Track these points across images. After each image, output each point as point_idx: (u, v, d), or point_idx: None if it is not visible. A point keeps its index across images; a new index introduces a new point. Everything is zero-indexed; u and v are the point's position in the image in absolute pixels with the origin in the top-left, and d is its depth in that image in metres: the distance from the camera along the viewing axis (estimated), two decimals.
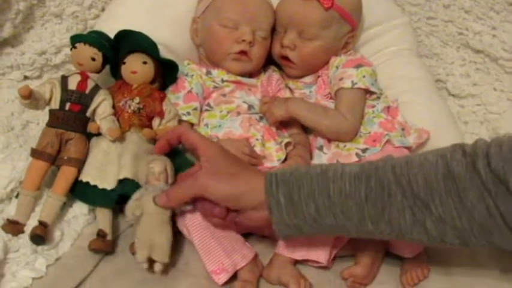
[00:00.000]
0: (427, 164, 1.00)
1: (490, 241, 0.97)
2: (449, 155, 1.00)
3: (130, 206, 1.20)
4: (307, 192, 1.03)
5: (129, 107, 1.29)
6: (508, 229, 0.93)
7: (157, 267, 1.18)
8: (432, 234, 0.99)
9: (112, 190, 1.25)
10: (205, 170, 1.09)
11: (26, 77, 1.50)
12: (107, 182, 1.25)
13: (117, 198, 1.25)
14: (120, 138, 1.27)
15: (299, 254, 1.25)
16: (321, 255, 1.24)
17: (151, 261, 1.18)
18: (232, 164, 1.10)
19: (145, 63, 1.32)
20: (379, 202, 0.99)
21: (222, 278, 1.20)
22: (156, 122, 1.32)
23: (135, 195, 1.21)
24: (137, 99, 1.30)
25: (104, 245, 1.24)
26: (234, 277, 1.21)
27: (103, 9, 1.59)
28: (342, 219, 1.02)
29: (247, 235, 1.33)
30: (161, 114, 1.32)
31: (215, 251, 1.21)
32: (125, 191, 1.24)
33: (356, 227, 1.03)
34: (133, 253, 1.23)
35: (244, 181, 1.06)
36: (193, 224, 1.21)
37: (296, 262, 1.26)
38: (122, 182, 1.24)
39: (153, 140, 1.31)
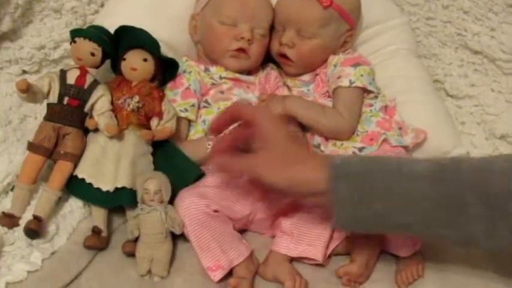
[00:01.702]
0: (504, 170, 0.94)
1: None
2: None
3: (129, 225, 1.24)
4: (378, 190, 0.99)
5: (128, 105, 1.29)
6: None
7: (156, 279, 1.21)
8: (504, 244, 0.96)
9: (107, 193, 1.24)
10: (262, 156, 1.05)
11: (24, 72, 1.50)
12: (103, 182, 1.24)
13: (113, 205, 1.27)
14: (118, 136, 1.27)
15: (295, 252, 1.25)
16: (316, 252, 1.25)
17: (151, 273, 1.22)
18: (292, 150, 1.06)
19: (145, 60, 1.31)
20: (454, 208, 0.95)
21: (217, 275, 1.20)
22: (154, 122, 1.32)
23: (132, 213, 1.24)
24: (136, 98, 1.29)
25: (99, 242, 1.24)
26: (229, 273, 1.22)
27: (102, 5, 1.59)
28: (411, 219, 0.99)
29: (243, 231, 1.33)
30: (160, 115, 1.31)
31: (211, 248, 1.21)
32: (121, 201, 1.26)
33: (423, 229, 1.00)
34: (125, 252, 1.24)
35: (303, 170, 1.02)
36: (190, 220, 1.21)
37: (292, 260, 1.27)
38: (119, 190, 1.24)
39: (151, 141, 1.31)
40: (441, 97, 1.66)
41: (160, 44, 1.35)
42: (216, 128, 1.17)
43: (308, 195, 1.03)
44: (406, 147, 1.43)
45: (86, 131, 1.29)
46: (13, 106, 1.43)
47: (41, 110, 1.37)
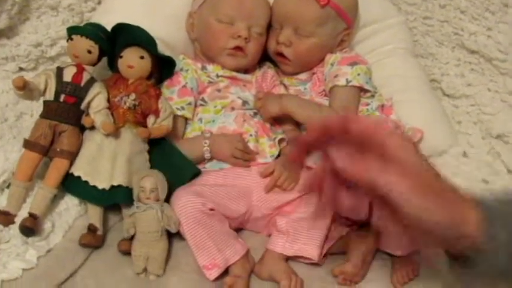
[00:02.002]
0: None
1: None
2: None
3: (125, 223, 1.24)
4: None
5: (125, 103, 1.29)
6: None
7: (152, 277, 1.22)
8: None
9: (103, 191, 1.25)
10: (406, 181, 0.75)
11: (21, 69, 1.49)
12: (99, 180, 1.25)
13: (109, 204, 1.27)
14: (114, 134, 1.27)
15: (291, 251, 1.26)
16: (312, 252, 1.26)
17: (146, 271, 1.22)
18: (434, 177, 0.80)
19: (142, 58, 1.31)
20: None
21: (213, 274, 1.21)
22: (151, 120, 1.32)
23: (128, 211, 1.25)
24: (133, 96, 1.29)
25: (95, 240, 1.25)
26: (225, 272, 1.22)
27: (99, 2, 1.59)
28: None
29: (239, 230, 1.34)
30: (156, 113, 1.32)
31: (207, 246, 1.21)
32: (117, 199, 1.26)
33: None
34: (121, 250, 1.25)
35: (450, 206, 0.78)
36: (185, 218, 1.22)
37: (288, 258, 1.27)
38: (115, 188, 1.25)
39: (148, 139, 1.31)
40: (438, 96, 1.67)
41: (157, 42, 1.35)
42: (302, 150, 0.87)
43: (451, 237, 0.78)
44: None
45: (82, 129, 1.30)
46: (9, 103, 1.42)
47: (37, 107, 1.37)
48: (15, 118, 1.41)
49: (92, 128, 1.28)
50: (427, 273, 1.25)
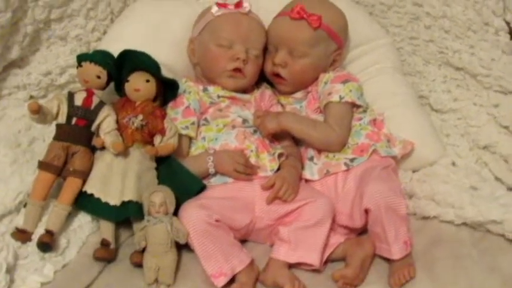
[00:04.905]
0: None
1: None
2: None
3: (136, 236, 1.30)
4: None
5: (133, 123, 1.35)
6: None
7: (163, 287, 1.28)
8: None
9: (115, 207, 1.30)
10: None
11: (32, 97, 1.56)
12: (110, 196, 1.31)
13: (121, 219, 1.33)
14: (123, 153, 1.33)
15: (293, 258, 1.32)
16: (314, 258, 1.32)
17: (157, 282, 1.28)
18: None
19: (148, 81, 1.38)
20: None
21: (220, 282, 1.26)
22: (157, 139, 1.37)
23: (139, 225, 1.31)
24: (140, 117, 1.36)
25: (108, 254, 1.31)
26: (231, 280, 1.28)
27: (105, 32, 1.65)
28: None
29: (244, 242, 1.40)
30: (163, 132, 1.37)
31: (214, 256, 1.27)
32: (128, 213, 1.32)
33: None
34: (133, 263, 1.31)
35: None
36: (193, 230, 1.27)
37: (290, 266, 1.33)
38: (126, 204, 1.31)
39: (155, 157, 1.36)
40: (427, 112, 1.73)
41: (161, 66, 1.41)
42: None
43: None
44: (394, 158, 1.50)
45: (93, 149, 1.36)
46: (22, 129, 1.49)
47: (49, 132, 1.43)
48: (28, 143, 1.48)
49: (103, 148, 1.34)
50: (423, 275, 1.31)
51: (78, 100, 1.34)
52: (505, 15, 1.61)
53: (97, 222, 1.36)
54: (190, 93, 1.51)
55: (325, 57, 1.56)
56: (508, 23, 1.62)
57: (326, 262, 1.36)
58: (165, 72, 1.49)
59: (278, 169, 1.43)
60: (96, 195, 1.31)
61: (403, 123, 1.59)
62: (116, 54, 1.41)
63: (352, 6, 1.72)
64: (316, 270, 1.34)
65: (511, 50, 1.62)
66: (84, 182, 1.32)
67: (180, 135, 1.42)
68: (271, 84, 1.65)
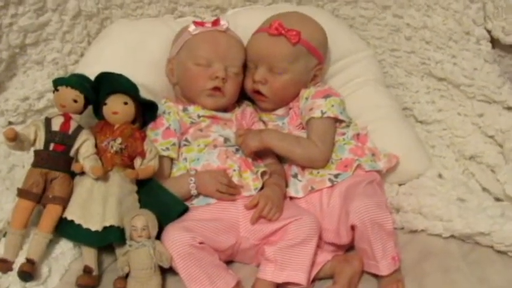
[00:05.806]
0: None
1: None
2: None
3: (119, 261, 1.28)
4: None
5: (112, 147, 1.33)
6: None
7: None
8: None
9: (96, 232, 1.28)
10: None
11: (10, 123, 1.54)
12: (91, 222, 1.29)
13: (103, 244, 1.31)
14: (103, 178, 1.31)
15: (280, 278, 1.30)
16: (301, 277, 1.30)
17: None
18: None
19: (126, 103, 1.36)
20: None
21: None
22: (137, 162, 1.36)
23: (121, 250, 1.29)
24: (119, 140, 1.34)
25: (91, 281, 1.28)
26: None
27: (82, 55, 1.64)
28: None
29: (230, 263, 1.37)
30: (142, 154, 1.36)
31: (199, 279, 1.25)
32: (110, 239, 1.30)
33: None
34: None
35: None
36: (177, 253, 1.25)
37: (278, 286, 1.31)
38: (107, 229, 1.28)
39: (135, 180, 1.35)
40: (411, 123, 1.72)
41: (140, 88, 1.40)
42: None
43: None
44: (379, 172, 1.49)
45: (72, 175, 1.34)
46: (1, 156, 1.47)
47: (28, 158, 1.41)
48: (8, 170, 1.46)
49: (82, 173, 1.32)
50: None
51: (56, 125, 1.32)
52: (486, 24, 1.62)
53: (79, 248, 1.34)
54: (170, 113, 1.50)
55: (306, 72, 1.56)
56: (489, 32, 1.63)
57: (314, 280, 1.34)
58: (144, 93, 1.48)
59: (262, 188, 1.41)
60: (77, 221, 1.29)
61: (388, 136, 1.58)
62: (94, 76, 1.39)
63: (331, 20, 1.72)
64: None
65: (493, 58, 1.63)
66: (64, 208, 1.30)
67: (161, 157, 1.41)
68: (253, 102, 1.63)
